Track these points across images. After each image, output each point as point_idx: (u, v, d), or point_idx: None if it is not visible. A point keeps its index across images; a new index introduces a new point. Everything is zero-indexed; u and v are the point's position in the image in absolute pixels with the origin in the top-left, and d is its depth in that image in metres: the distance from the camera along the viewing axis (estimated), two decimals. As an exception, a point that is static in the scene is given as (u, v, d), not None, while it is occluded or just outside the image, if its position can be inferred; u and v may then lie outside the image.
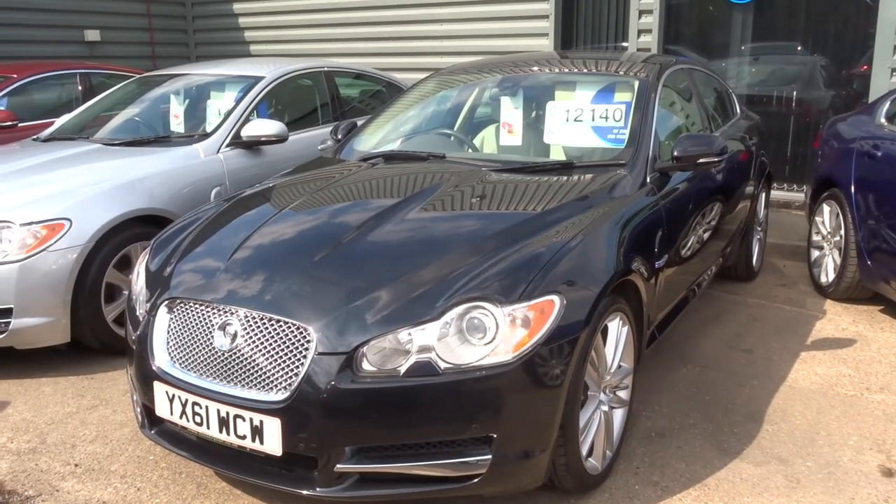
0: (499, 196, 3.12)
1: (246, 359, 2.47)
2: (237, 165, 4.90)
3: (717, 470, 3.02)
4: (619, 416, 2.97)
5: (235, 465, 2.55)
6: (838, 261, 4.96)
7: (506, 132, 4.17)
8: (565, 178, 3.32)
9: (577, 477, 2.65)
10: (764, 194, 5.47)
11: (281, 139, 4.96)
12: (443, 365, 2.34)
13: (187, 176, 4.59)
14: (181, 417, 2.59)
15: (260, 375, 2.45)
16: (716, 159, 3.44)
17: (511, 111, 4.16)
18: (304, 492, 2.43)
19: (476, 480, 2.40)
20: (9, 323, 3.83)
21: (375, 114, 4.45)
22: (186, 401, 2.55)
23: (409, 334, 2.37)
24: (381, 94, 6.52)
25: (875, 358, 4.13)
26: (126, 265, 4.20)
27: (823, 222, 5.25)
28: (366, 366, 2.36)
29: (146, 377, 2.68)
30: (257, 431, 2.42)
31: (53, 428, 3.42)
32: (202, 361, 2.56)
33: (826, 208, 5.22)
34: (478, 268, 2.53)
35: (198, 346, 2.58)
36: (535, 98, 4.13)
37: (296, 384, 2.37)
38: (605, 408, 2.83)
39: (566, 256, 2.62)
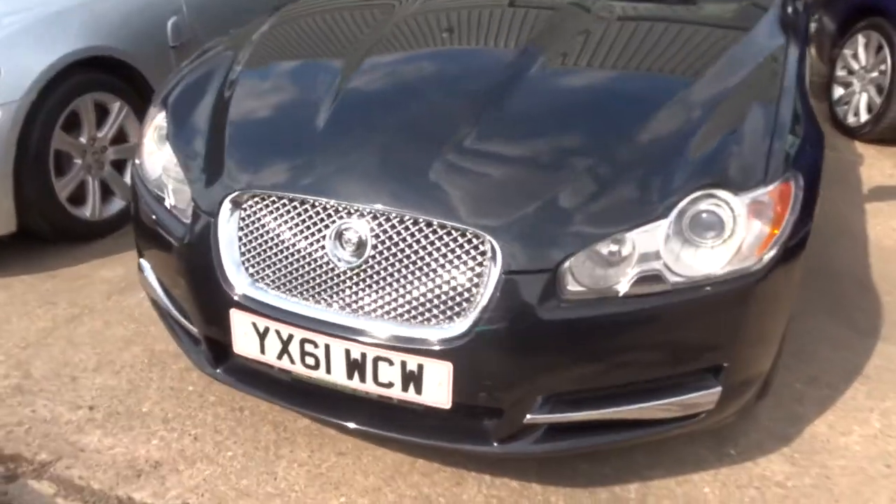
0: (647, 38, 2.36)
1: (387, 280, 1.74)
2: (192, -12, 3.76)
3: (868, 356, 2.65)
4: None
5: (360, 416, 1.88)
6: (876, 99, 4.57)
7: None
8: (705, 8, 2.60)
9: (763, 393, 2.17)
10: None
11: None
12: (672, 278, 1.71)
13: (132, 2, 3.45)
14: (281, 358, 1.85)
15: (412, 304, 1.73)
16: None
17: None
18: (479, 448, 1.82)
19: (696, 419, 1.87)
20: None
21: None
22: (291, 337, 1.81)
23: (630, 239, 1.70)
24: None
25: (945, 208, 3.86)
26: (74, 126, 3.16)
27: (856, 55, 4.80)
28: (572, 285, 1.69)
29: (215, 302, 1.90)
30: (412, 378, 1.74)
31: (33, 354, 2.56)
32: (313, 284, 1.80)
33: (861, 40, 4.75)
34: (687, 145, 1.85)
35: (302, 262, 1.81)
36: None
37: (474, 315, 1.68)
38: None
39: (783, 121, 1.98)
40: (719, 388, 1.83)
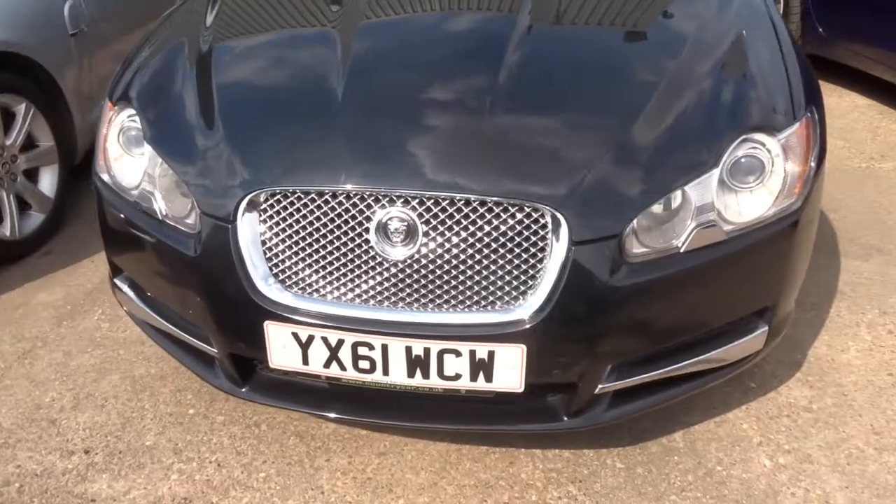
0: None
1: (444, 268, 1.62)
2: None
3: (836, 273, 2.81)
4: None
5: (422, 414, 1.78)
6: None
7: None
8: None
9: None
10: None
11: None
12: (726, 227, 1.70)
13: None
14: (329, 366, 1.71)
15: (474, 289, 1.63)
16: None
17: None
18: (551, 425, 1.76)
19: (746, 363, 1.90)
20: None
21: None
22: (341, 343, 1.67)
23: (687, 193, 1.67)
24: None
25: (853, 126, 4.13)
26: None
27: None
28: (636, 248, 1.65)
29: (244, 317, 1.71)
30: (482, 367, 1.65)
31: (-8, 400, 2.25)
32: (360, 283, 1.66)
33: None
34: (718, 91, 1.83)
35: (344, 261, 1.66)
36: None
37: (545, 292, 1.61)
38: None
39: (790, 58, 2.01)
40: (766, 329, 1.86)
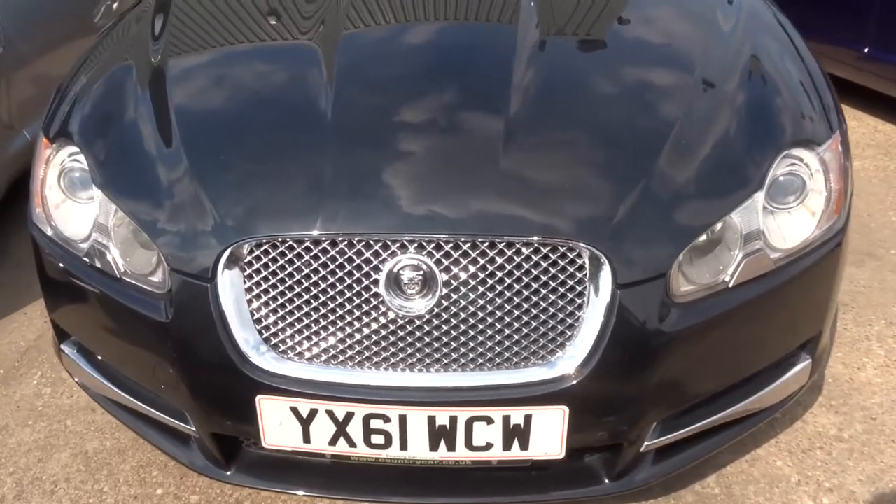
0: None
1: (468, 322, 1.39)
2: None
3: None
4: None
5: (445, 489, 1.54)
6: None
7: None
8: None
9: None
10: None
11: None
12: (773, 254, 1.52)
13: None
14: (335, 443, 1.45)
15: (504, 345, 1.40)
16: None
17: None
18: (592, 490, 1.55)
19: (791, 399, 1.72)
20: None
21: None
22: (351, 416, 1.41)
23: (733, 220, 1.48)
24: None
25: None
26: None
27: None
28: (683, 286, 1.45)
29: (230, 392, 1.44)
30: (516, 434, 1.42)
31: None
32: (371, 344, 1.41)
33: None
34: (752, 107, 1.65)
35: (349, 319, 1.41)
36: None
37: (588, 343, 1.39)
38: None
39: (815, 70, 1.86)
40: (809, 361, 1.69)
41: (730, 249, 1.49)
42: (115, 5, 3.67)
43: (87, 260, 1.58)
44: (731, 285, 1.48)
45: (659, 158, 1.49)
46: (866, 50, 3.88)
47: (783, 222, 1.55)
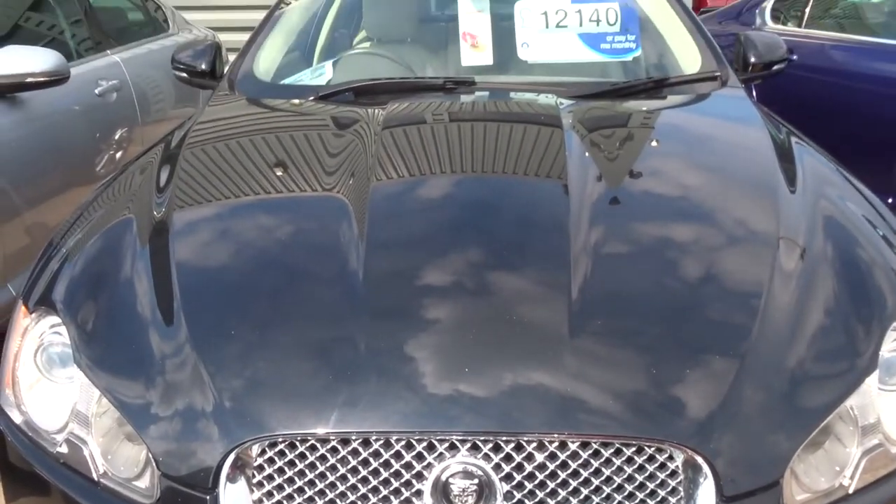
0: (668, 145, 1.98)
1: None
2: (-16, 127, 2.84)
3: None
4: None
5: None
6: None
7: (468, 46, 2.94)
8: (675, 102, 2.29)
9: None
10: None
11: (59, 78, 3.01)
12: (893, 448, 1.26)
13: None
14: None
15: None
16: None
17: (473, 16, 2.92)
18: None
19: None
20: None
21: (267, 26, 2.82)
22: None
23: (848, 410, 1.23)
24: (140, 10, 4.56)
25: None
26: None
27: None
28: (798, 494, 1.17)
29: None
30: None
31: None
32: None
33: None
34: (840, 273, 1.43)
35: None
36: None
37: None
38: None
39: (892, 219, 1.68)
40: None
41: (845, 446, 1.22)
42: (118, 154, 3.56)
43: (61, 453, 1.29)
44: (851, 490, 1.21)
45: (755, 344, 1.24)
46: (890, 200, 3.79)
47: (886, 401, 1.30)
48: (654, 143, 2.00)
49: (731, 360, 1.22)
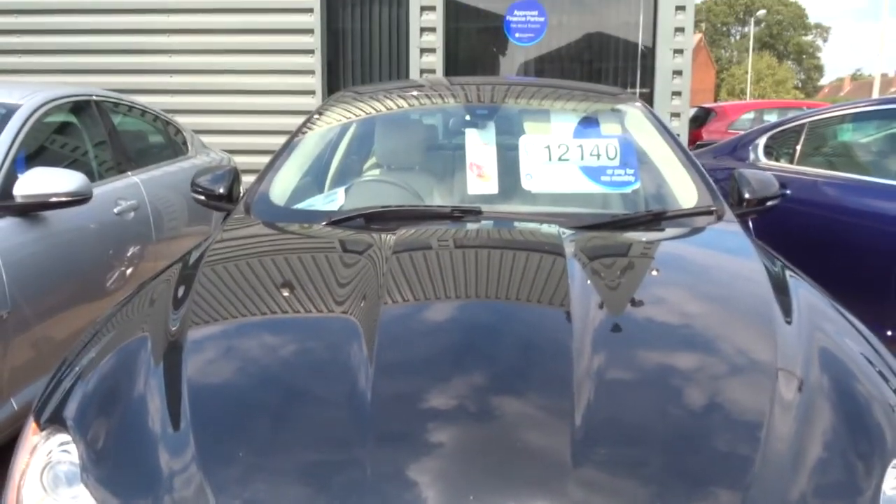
0: (671, 275, 2.06)
1: None
2: (6, 244, 2.93)
3: None
4: None
5: None
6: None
7: (474, 176, 3.07)
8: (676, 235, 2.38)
9: None
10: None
11: (82, 198, 3.14)
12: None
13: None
14: None
15: None
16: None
17: (479, 147, 3.08)
18: None
19: None
20: None
21: (283, 153, 2.97)
22: None
23: None
24: (161, 133, 4.78)
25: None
26: None
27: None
28: None
29: None
30: None
31: None
32: None
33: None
34: (842, 401, 1.47)
35: None
36: (508, 129, 3.12)
37: None
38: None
39: (885, 352, 1.71)
40: None
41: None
42: (128, 271, 3.64)
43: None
44: None
45: (755, 470, 1.26)
46: (889, 333, 3.82)
47: None
48: (654, 273, 2.07)
49: (736, 491, 1.23)
